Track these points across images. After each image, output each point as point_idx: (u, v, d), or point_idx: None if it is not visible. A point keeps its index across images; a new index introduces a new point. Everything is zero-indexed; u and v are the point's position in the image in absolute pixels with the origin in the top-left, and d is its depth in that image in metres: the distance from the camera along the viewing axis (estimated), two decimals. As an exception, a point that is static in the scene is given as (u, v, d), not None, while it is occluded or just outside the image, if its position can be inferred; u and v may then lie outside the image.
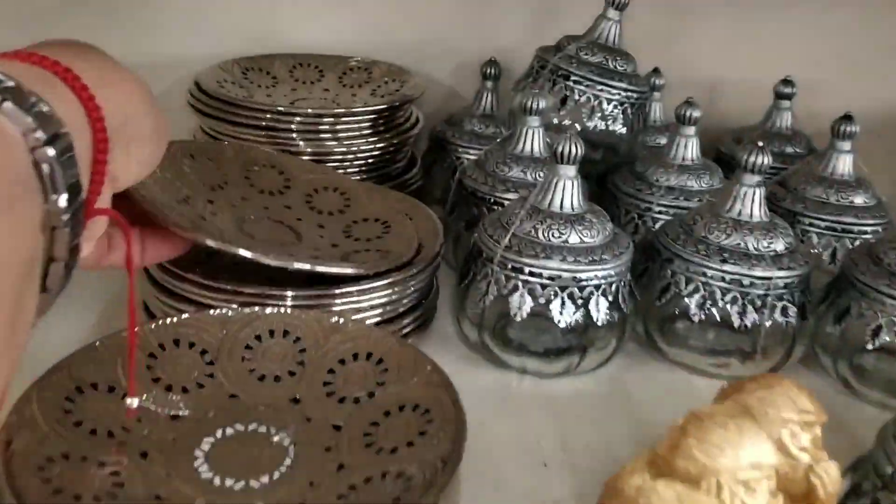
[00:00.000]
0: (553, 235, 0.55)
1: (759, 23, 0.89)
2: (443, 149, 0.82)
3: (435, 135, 0.83)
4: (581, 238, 0.55)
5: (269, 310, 0.47)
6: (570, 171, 0.56)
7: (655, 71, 0.82)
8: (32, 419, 0.37)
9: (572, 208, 0.56)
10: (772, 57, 0.87)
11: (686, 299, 0.58)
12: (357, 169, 0.71)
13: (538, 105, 0.67)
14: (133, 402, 0.39)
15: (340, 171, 0.69)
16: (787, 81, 0.82)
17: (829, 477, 0.34)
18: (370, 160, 0.72)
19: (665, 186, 0.69)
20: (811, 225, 0.68)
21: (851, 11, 0.89)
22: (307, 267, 0.48)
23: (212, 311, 0.46)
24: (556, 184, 0.56)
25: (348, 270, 0.51)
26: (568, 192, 0.56)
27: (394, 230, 0.60)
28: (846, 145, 0.69)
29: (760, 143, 0.58)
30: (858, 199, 0.68)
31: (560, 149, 0.55)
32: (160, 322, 0.45)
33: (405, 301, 0.56)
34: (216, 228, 0.53)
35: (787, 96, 0.82)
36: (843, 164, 0.69)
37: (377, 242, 0.59)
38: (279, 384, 0.45)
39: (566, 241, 0.55)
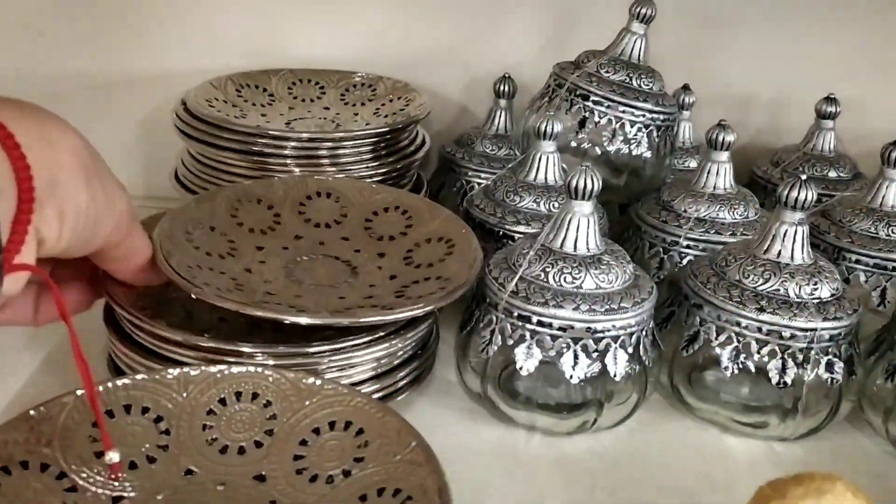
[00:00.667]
0: (565, 280, 0.49)
1: (797, 35, 0.82)
2: (452, 171, 0.76)
3: (443, 155, 0.77)
4: (597, 283, 0.49)
5: (236, 369, 0.41)
6: (586, 207, 0.50)
7: (685, 88, 0.76)
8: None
9: (587, 249, 0.50)
10: (812, 72, 0.81)
11: (717, 350, 0.52)
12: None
13: (553, 129, 0.61)
14: (114, 456, 0.36)
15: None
16: (830, 99, 0.75)
17: None
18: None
19: (694, 218, 0.62)
20: (858, 262, 0.61)
21: (900, 22, 0.82)
22: (345, 322, 0.45)
23: (172, 371, 0.41)
24: (570, 221, 0.50)
25: (388, 317, 0.46)
26: (583, 230, 0.50)
27: (457, 249, 0.55)
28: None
29: (804, 176, 0.51)
30: (912, 234, 0.61)
31: (574, 182, 0.49)
32: (108, 384, 0.39)
33: (401, 354, 0.50)
34: (258, 283, 0.50)
35: (830, 115, 0.75)
36: (895, 195, 0.62)
37: (439, 268, 0.54)
38: (243, 457, 0.39)
39: (580, 287, 0.49)
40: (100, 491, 0.36)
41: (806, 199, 0.50)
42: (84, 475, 0.36)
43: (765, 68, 0.83)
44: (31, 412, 0.37)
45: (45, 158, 0.33)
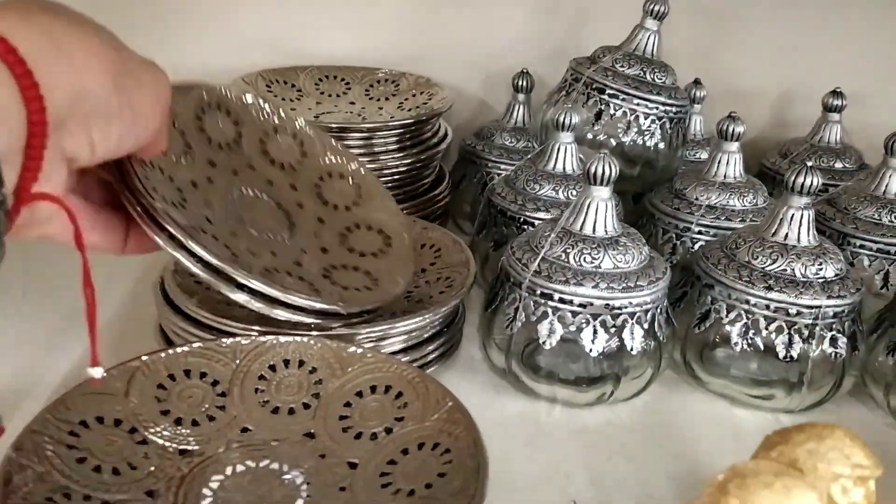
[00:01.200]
0: (585, 260, 0.53)
1: (805, 32, 0.86)
2: (472, 163, 0.80)
3: (464, 148, 0.81)
4: (615, 263, 0.53)
5: (283, 339, 0.45)
6: (604, 192, 0.54)
7: (696, 82, 0.79)
8: (34, 454, 0.36)
9: (605, 231, 0.54)
10: (819, 68, 0.84)
11: (727, 327, 0.55)
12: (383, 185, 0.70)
13: (571, 120, 0.65)
14: (96, 371, 0.35)
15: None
16: (836, 93, 0.79)
17: (885, 537, 0.31)
18: (396, 176, 0.70)
19: (705, 205, 0.66)
20: (862, 247, 0.65)
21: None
22: (271, 293, 0.42)
23: (225, 341, 0.45)
24: (589, 206, 0.54)
25: (298, 313, 0.44)
26: (601, 214, 0.54)
27: (393, 252, 0.56)
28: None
29: (809, 163, 0.55)
30: (914, 220, 0.64)
31: (593, 169, 0.53)
32: (170, 352, 0.43)
33: (430, 328, 0.54)
34: (199, 202, 0.47)
35: (836, 108, 0.79)
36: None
37: (369, 261, 0.55)
38: (293, 417, 0.43)
39: (599, 267, 0.53)
40: (167, 444, 0.40)
41: (811, 185, 0.54)
42: (153, 430, 0.40)
43: (774, 64, 0.87)
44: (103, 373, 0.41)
45: (60, 69, 0.30)
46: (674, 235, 0.67)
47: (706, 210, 0.66)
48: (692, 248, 0.66)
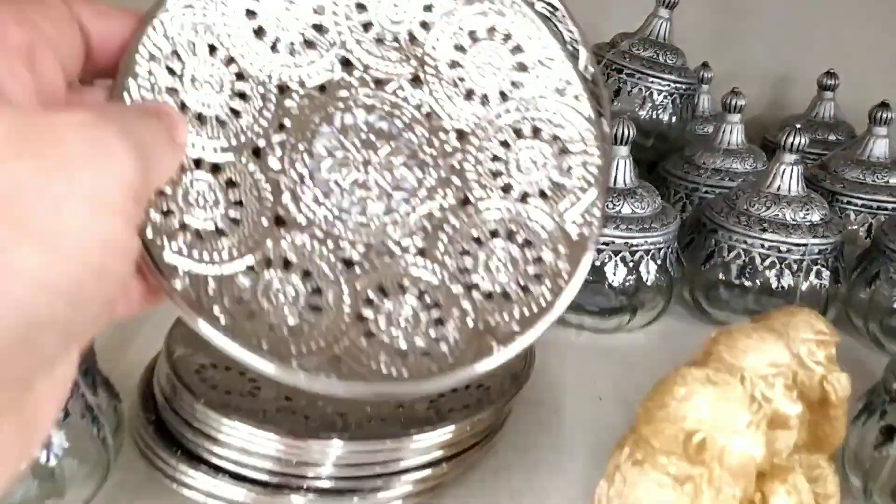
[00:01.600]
0: (608, 207, 0.63)
1: (805, 18, 0.96)
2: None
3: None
4: (633, 209, 0.64)
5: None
6: (623, 150, 0.64)
7: (704, 65, 0.90)
8: (184, 336, 0.47)
9: (625, 184, 0.65)
10: (817, 50, 0.94)
11: (729, 265, 0.65)
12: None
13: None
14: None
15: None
16: (829, 74, 0.89)
17: (841, 385, 0.41)
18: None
19: (711, 168, 0.76)
20: (849, 203, 0.75)
21: None
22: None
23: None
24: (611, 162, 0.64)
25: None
26: (621, 169, 0.64)
27: None
28: (882, 130, 0.75)
29: (798, 125, 0.65)
30: (893, 180, 0.74)
31: (614, 131, 0.64)
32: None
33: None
34: None
35: (829, 87, 0.89)
36: (880, 148, 0.76)
37: None
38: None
39: (619, 212, 0.63)
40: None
41: (799, 143, 0.64)
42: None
43: (775, 48, 0.97)
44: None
45: None
46: (683, 196, 0.78)
47: (711, 173, 0.76)
48: (699, 205, 0.76)
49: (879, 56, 0.96)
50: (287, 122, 0.29)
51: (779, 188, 0.66)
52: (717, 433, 0.33)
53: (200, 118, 0.28)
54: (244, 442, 0.42)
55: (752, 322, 0.45)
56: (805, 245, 0.63)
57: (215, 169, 0.28)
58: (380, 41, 0.31)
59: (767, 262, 0.64)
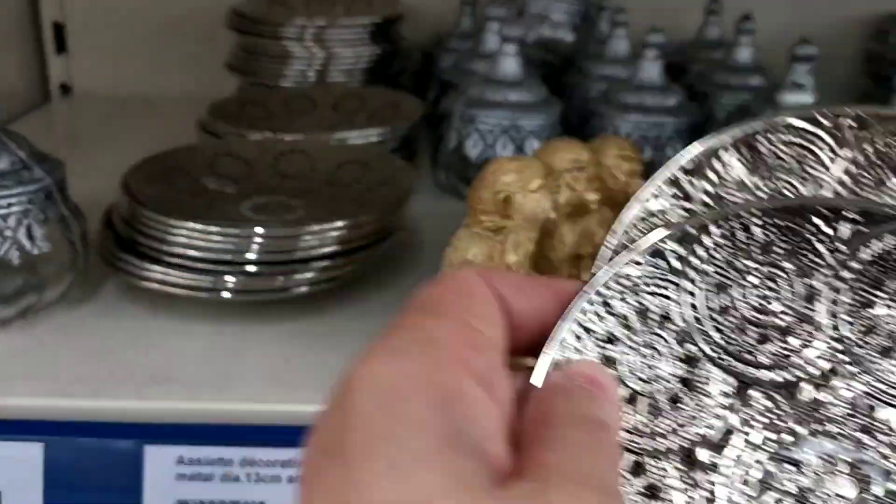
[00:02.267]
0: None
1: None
2: (430, 63, 1.03)
3: (424, 52, 1.04)
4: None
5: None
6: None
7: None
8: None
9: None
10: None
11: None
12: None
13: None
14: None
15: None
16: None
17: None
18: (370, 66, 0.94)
19: (600, 75, 0.89)
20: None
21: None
22: None
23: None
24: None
25: None
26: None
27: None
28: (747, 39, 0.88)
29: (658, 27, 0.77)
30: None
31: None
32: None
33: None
34: None
35: (714, 11, 1.02)
36: (742, 54, 0.89)
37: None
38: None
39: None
40: None
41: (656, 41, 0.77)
42: None
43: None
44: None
45: None
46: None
47: (601, 79, 0.89)
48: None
49: None
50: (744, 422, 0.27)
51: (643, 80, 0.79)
52: (516, 192, 0.46)
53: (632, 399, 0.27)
54: (185, 238, 0.55)
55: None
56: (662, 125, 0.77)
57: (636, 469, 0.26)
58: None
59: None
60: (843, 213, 0.28)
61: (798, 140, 0.32)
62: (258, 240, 0.55)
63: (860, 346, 0.28)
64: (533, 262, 0.52)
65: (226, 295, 0.55)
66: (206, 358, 0.52)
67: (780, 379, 0.28)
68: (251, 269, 0.55)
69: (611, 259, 0.29)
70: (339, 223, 0.56)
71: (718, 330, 0.28)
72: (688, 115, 0.78)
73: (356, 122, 0.83)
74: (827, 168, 0.31)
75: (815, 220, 0.29)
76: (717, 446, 0.27)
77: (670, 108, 0.78)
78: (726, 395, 0.27)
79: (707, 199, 0.31)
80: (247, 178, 0.66)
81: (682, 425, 0.27)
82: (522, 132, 0.76)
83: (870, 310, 0.28)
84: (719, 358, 0.28)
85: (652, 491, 0.26)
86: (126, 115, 1.02)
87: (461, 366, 0.23)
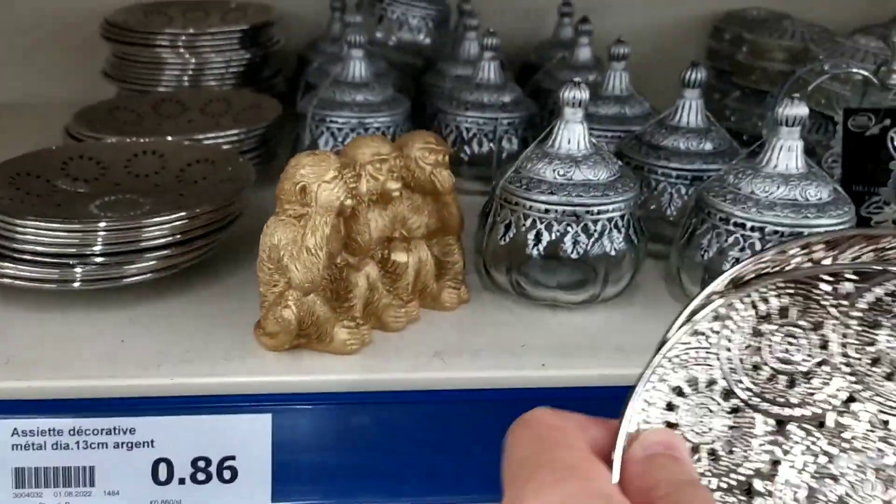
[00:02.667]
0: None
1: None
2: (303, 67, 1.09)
3: (300, 56, 1.10)
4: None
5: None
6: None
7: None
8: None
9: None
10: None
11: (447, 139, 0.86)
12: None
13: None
14: None
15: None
16: (566, 3, 1.10)
17: (443, 178, 0.62)
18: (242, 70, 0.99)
19: (454, 75, 0.96)
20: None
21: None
22: None
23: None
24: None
25: None
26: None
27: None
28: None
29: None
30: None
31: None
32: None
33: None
34: None
35: (566, 14, 1.10)
36: (582, 54, 0.97)
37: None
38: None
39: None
40: None
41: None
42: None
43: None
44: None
45: None
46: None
47: (456, 79, 0.96)
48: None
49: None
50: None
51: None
52: (311, 183, 0.53)
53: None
54: (32, 236, 0.60)
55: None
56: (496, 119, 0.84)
57: None
58: None
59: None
60: (844, 274, 0.35)
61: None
62: (101, 233, 0.61)
63: (869, 376, 0.35)
64: (342, 244, 0.59)
65: (74, 286, 0.60)
66: (49, 343, 0.58)
67: (810, 413, 0.35)
68: (97, 260, 0.60)
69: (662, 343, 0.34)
70: (177, 215, 0.62)
71: (755, 383, 0.35)
72: (521, 111, 0.86)
73: (222, 124, 0.89)
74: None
75: (821, 285, 0.35)
76: (769, 476, 0.34)
77: (505, 105, 0.85)
78: (768, 433, 0.35)
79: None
80: (100, 178, 0.72)
81: (738, 465, 0.34)
82: (370, 130, 0.83)
83: (872, 347, 0.35)
84: (759, 405, 0.35)
85: None
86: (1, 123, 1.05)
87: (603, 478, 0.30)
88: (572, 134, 0.64)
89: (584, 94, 0.63)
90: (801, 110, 0.61)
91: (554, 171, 0.63)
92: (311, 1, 1.14)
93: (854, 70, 0.76)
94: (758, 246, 0.62)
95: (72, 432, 0.52)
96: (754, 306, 0.35)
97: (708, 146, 0.74)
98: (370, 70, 0.85)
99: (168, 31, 0.97)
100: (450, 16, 1.05)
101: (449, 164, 0.64)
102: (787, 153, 0.63)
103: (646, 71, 0.99)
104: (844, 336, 0.35)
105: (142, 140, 0.76)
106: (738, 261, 0.45)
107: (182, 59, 0.98)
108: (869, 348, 0.35)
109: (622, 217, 0.64)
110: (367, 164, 0.58)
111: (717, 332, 0.35)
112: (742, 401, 0.35)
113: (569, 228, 0.63)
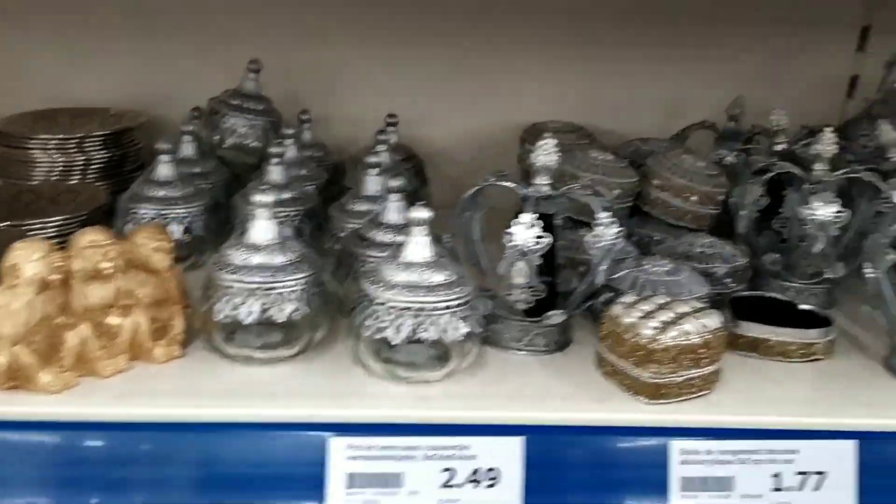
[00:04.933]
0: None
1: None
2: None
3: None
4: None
5: None
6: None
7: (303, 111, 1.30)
8: None
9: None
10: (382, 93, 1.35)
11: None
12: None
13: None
14: None
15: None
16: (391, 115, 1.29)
17: (159, 259, 0.80)
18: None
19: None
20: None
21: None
22: None
23: None
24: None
25: None
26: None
27: None
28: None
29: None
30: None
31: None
32: None
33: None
34: None
35: (392, 124, 1.29)
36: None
37: None
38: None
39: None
40: None
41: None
42: None
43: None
44: None
45: None
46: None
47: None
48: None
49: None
50: None
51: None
52: (22, 261, 0.72)
53: None
54: None
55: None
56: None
57: None
58: None
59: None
60: None
61: None
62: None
63: None
64: (60, 310, 0.77)
65: None
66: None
67: None
68: None
69: None
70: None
71: None
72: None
73: (66, 211, 1.09)
74: None
75: None
76: None
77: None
78: None
79: None
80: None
81: None
82: (168, 219, 1.02)
83: None
84: None
85: None
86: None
87: None
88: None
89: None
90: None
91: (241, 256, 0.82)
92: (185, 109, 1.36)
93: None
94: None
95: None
96: None
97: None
98: (174, 171, 1.05)
99: (40, 136, 1.19)
100: (277, 125, 1.25)
101: (172, 250, 0.83)
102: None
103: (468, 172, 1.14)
104: None
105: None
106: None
107: (51, 159, 1.19)
108: None
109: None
110: (83, 249, 0.77)
111: None
112: None
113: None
